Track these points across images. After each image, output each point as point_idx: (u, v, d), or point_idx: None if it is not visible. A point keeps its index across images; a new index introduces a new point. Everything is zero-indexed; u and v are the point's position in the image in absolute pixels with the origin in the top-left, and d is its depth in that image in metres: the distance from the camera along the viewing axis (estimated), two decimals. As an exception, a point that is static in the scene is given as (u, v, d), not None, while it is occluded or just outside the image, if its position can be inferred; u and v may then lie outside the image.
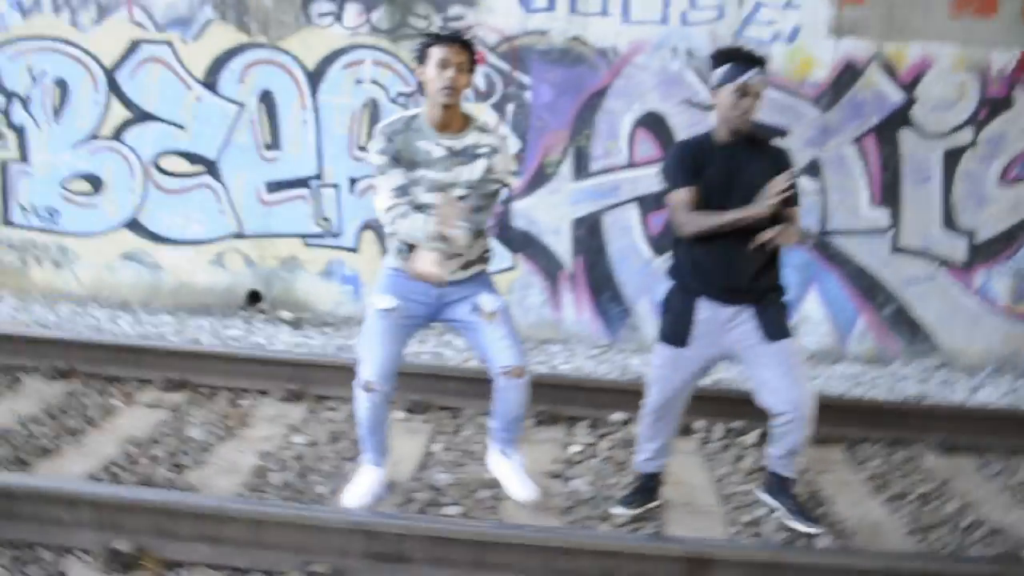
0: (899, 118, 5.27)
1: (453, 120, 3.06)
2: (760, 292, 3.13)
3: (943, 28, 5.14)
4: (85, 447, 3.68)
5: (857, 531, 3.36)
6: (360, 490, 3.32)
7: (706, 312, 3.14)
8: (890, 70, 5.22)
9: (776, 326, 3.11)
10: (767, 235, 2.95)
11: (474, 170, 3.06)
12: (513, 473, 3.41)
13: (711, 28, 5.22)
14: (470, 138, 3.08)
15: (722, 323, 3.12)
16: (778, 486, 3.35)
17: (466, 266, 3.18)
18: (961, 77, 5.20)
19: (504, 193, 3.17)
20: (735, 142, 3.08)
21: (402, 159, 3.05)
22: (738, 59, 3.02)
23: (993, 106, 5.23)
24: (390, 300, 3.17)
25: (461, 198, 3.03)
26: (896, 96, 5.24)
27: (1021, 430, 4.23)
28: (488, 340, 3.19)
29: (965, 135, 5.27)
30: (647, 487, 3.42)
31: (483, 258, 3.27)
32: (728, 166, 3.06)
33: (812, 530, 3.26)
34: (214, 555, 2.90)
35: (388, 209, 3.05)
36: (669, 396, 3.25)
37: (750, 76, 2.96)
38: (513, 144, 3.06)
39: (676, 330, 3.18)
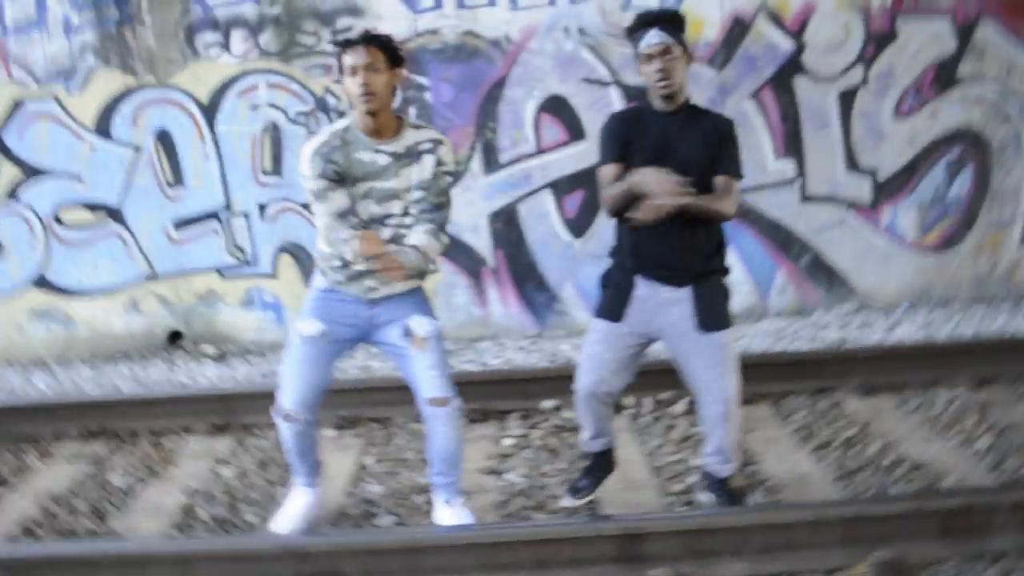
0: (792, 66, 5.30)
1: (387, 124, 2.89)
2: (700, 273, 2.98)
3: (822, -28, 5.19)
4: (2, 509, 3.55)
5: (786, 485, 3.40)
6: (291, 513, 3.24)
7: (644, 290, 3.01)
8: (777, 19, 5.24)
9: (713, 316, 2.95)
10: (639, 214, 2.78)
11: (424, 168, 2.91)
12: (457, 521, 3.18)
13: (599, 3, 5.21)
14: (409, 137, 2.92)
15: (659, 303, 2.99)
16: (715, 484, 3.23)
17: (406, 276, 2.95)
18: (845, 17, 5.25)
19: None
20: (672, 111, 2.92)
21: (347, 176, 2.87)
22: (638, 24, 2.88)
23: (879, 41, 5.29)
24: (315, 325, 3.00)
25: (417, 201, 2.92)
26: (786, 45, 5.28)
27: (936, 362, 4.32)
28: (416, 369, 3.02)
29: (856, 74, 5.32)
30: (596, 465, 3.35)
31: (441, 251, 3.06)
32: (662, 137, 2.89)
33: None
34: (141, 601, 2.82)
35: (331, 239, 2.91)
36: (602, 373, 3.09)
37: (649, 39, 2.81)
38: (448, 140, 3.01)
39: (612, 305, 3.05)
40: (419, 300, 3.07)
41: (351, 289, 2.98)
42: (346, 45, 2.82)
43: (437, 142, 2.94)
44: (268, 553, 2.86)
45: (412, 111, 5.31)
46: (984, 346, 4.46)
